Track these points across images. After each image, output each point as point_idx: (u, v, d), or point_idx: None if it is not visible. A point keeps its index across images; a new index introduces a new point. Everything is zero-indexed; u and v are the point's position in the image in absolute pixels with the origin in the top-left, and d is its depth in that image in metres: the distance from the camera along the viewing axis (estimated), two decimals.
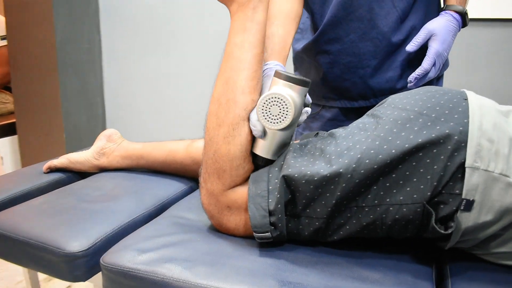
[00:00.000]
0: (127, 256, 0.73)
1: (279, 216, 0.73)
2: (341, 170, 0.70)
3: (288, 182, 0.73)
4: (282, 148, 0.79)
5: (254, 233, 0.75)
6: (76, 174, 1.19)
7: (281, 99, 0.73)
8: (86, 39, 2.11)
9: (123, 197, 0.99)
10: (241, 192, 0.80)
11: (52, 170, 1.17)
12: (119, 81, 2.24)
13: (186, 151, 1.10)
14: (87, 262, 0.79)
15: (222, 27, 2.00)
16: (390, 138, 0.70)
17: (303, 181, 0.71)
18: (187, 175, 1.14)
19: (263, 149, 0.79)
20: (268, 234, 0.74)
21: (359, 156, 0.70)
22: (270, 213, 0.74)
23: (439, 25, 0.95)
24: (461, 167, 0.66)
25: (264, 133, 0.77)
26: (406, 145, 0.68)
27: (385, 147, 0.69)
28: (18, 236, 0.82)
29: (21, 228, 0.84)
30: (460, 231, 0.68)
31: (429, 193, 0.67)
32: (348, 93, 1.08)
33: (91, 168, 1.18)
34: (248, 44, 0.80)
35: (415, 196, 0.68)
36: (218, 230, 0.83)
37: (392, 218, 0.70)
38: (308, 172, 0.72)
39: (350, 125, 0.80)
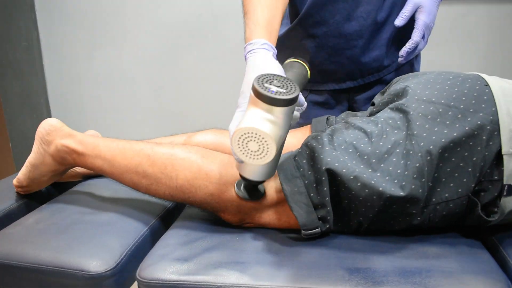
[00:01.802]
0: (169, 268, 0.65)
1: (328, 209, 0.70)
2: (387, 178, 0.67)
3: (332, 176, 0.69)
4: (274, 167, 0.70)
5: (302, 231, 0.70)
6: (57, 186, 1.05)
7: (258, 134, 0.59)
8: (23, 36, 1.89)
9: (128, 204, 0.89)
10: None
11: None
12: (64, 81, 2.03)
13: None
14: (117, 282, 0.69)
15: (177, 14, 1.91)
16: (424, 135, 0.68)
17: (351, 177, 0.68)
18: None
19: (251, 174, 0.69)
20: (317, 230, 0.70)
21: (402, 162, 0.67)
22: (316, 207, 0.70)
23: None
24: (498, 155, 0.66)
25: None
26: (443, 140, 0.66)
27: (422, 144, 0.67)
28: (25, 263, 0.70)
29: (25, 253, 0.72)
30: (503, 215, 0.69)
31: (473, 185, 0.67)
32: (335, 75, 1.05)
33: (74, 177, 1.06)
34: (113, 151, 0.84)
35: (460, 190, 0.67)
36: (248, 228, 0.78)
37: (440, 216, 0.69)
38: (356, 170, 0.68)
39: (375, 119, 0.75)
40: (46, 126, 0.90)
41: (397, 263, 0.65)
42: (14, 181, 0.94)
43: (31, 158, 0.91)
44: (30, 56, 1.94)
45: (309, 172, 0.71)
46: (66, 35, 1.97)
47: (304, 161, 0.72)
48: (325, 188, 0.69)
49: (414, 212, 0.68)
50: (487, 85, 0.71)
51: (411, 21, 0.94)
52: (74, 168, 1.03)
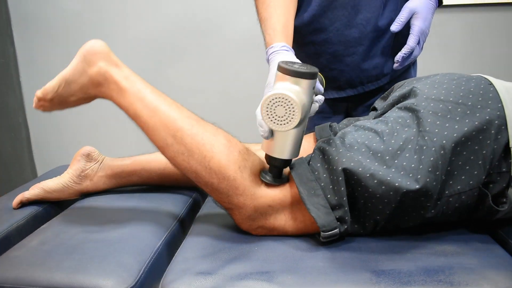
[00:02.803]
0: (194, 282, 0.64)
1: (345, 209, 0.71)
2: (402, 173, 0.69)
3: (349, 176, 0.70)
4: (292, 147, 0.73)
5: (321, 233, 0.71)
6: (53, 205, 1.02)
7: (286, 99, 0.66)
8: None
9: (137, 220, 0.86)
10: (277, 189, 0.76)
11: (24, 204, 0.98)
12: None
13: None
14: None
15: (159, 27, 1.89)
16: (436, 130, 0.70)
17: (368, 175, 0.69)
18: (189, 184, 1.04)
19: (277, 150, 0.73)
20: (336, 231, 0.70)
21: (415, 156, 0.69)
22: (333, 208, 0.71)
23: (420, 4, 0.98)
24: (506, 147, 0.70)
25: (271, 133, 0.72)
26: (455, 135, 0.69)
27: (435, 139, 0.70)
28: (37, 287, 0.67)
29: (37, 276, 0.68)
30: (511, 206, 0.72)
31: (483, 177, 0.70)
32: (335, 82, 1.07)
33: (71, 195, 1.02)
34: (144, 91, 0.82)
35: (471, 182, 0.70)
36: (263, 237, 0.77)
37: (453, 208, 0.72)
38: (372, 168, 0.69)
39: (383, 119, 0.78)
40: (95, 45, 0.84)
41: (419, 263, 0.66)
42: (39, 92, 0.87)
43: (66, 73, 0.85)
44: (6, 73, 1.87)
45: (324, 175, 0.72)
46: (43, 50, 1.92)
47: (318, 164, 0.74)
48: (342, 188, 0.70)
49: (428, 205, 0.70)
50: (490, 84, 0.75)
51: (408, 28, 0.97)
52: (72, 186, 1.00)
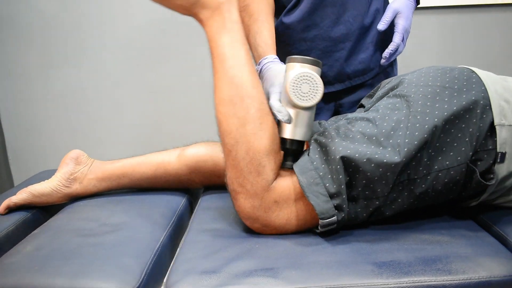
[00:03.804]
0: (199, 281, 0.64)
1: (343, 197, 0.73)
2: (398, 149, 0.72)
3: (346, 163, 0.73)
4: (308, 128, 0.79)
5: (320, 221, 0.73)
6: (41, 210, 0.99)
7: (311, 77, 0.76)
8: None
9: (132, 223, 0.86)
10: (285, 183, 0.77)
11: (11, 209, 0.95)
12: (19, 102, 1.91)
13: (179, 160, 1.01)
14: None
15: (139, 30, 1.87)
16: (428, 111, 0.74)
17: (364, 160, 0.72)
18: (180, 186, 1.05)
19: (293, 132, 0.79)
20: (334, 218, 0.73)
21: (408, 132, 0.73)
22: (332, 196, 0.73)
23: (402, 4, 1.04)
24: (491, 126, 0.75)
25: (289, 117, 0.77)
26: (445, 113, 0.74)
27: (427, 118, 0.74)
28: None
29: (36, 282, 0.67)
30: (497, 181, 0.76)
31: (470, 153, 0.74)
32: (325, 77, 1.11)
33: (60, 199, 1.00)
34: (237, 42, 0.79)
35: (459, 158, 0.74)
36: (262, 233, 0.78)
37: (442, 183, 0.75)
38: (368, 152, 0.72)
39: (373, 108, 0.82)
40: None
41: (417, 253, 0.69)
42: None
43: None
44: None
45: (323, 165, 0.75)
46: (18, 52, 1.86)
47: (317, 156, 0.76)
48: (340, 176, 0.73)
49: (417, 178, 0.74)
50: (473, 71, 0.80)
51: (391, 26, 1.02)
52: (61, 189, 0.98)
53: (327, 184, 0.73)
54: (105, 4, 1.82)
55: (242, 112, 0.76)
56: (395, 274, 0.63)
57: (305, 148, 0.82)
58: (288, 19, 1.04)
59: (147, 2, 1.80)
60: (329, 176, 0.74)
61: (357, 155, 0.72)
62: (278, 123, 0.80)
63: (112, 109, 1.91)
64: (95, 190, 1.01)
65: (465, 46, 1.87)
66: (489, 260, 0.66)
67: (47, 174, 1.17)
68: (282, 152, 0.80)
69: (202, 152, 1.01)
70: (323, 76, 1.09)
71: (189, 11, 0.79)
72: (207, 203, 0.96)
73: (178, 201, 0.99)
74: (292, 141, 0.79)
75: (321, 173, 0.74)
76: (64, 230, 0.84)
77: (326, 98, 1.14)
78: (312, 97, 0.76)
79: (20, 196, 0.96)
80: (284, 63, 0.83)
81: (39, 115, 1.92)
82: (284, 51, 1.06)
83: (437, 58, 1.88)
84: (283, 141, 0.79)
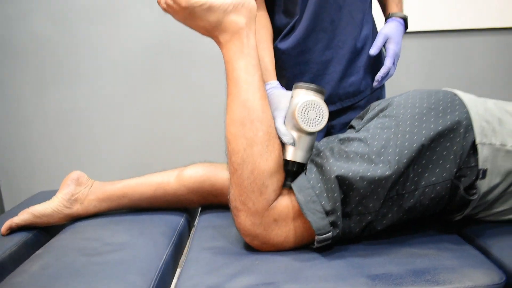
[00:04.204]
0: None
1: (338, 214, 0.78)
2: (388, 165, 0.78)
3: (341, 182, 0.78)
4: (309, 152, 0.85)
5: (316, 237, 0.77)
6: (42, 230, 1.02)
7: (318, 105, 0.82)
8: None
9: (134, 242, 0.89)
10: (284, 203, 0.82)
11: (13, 229, 0.97)
12: (9, 123, 1.93)
13: (178, 181, 1.05)
14: None
15: (134, 51, 1.91)
16: (415, 130, 0.81)
17: (358, 178, 0.77)
18: (178, 206, 1.08)
19: (295, 155, 0.84)
20: (329, 234, 0.77)
21: (398, 150, 0.79)
22: (327, 213, 0.78)
23: (392, 30, 1.11)
24: (473, 145, 0.81)
25: (294, 140, 0.83)
26: (431, 133, 0.80)
27: (415, 137, 0.80)
28: None
29: None
30: (480, 196, 0.82)
31: (454, 170, 0.80)
32: None
33: (61, 220, 1.02)
34: (252, 67, 0.84)
35: (444, 174, 0.80)
36: (261, 250, 0.82)
37: (429, 198, 0.81)
38: (360, 171, 0.78)
39: (364, 128, 0.87)
40: (252, 3, 0.86)
41: (407, 266, 0.73)
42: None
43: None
44: None
45: (319, 184, 0.79)
46: (13, 74, 1.89)
47: (313, 175, 0.81)
48: (335, 194, 0.77)
49: (405, 193, 0.79)
50: (455, 94, 0.87)
51: (381, 51, 1.09)
52: (62, 210, 1.01)
53: (323, 202, 0.78)
54: (100, 27, 1.87)
55: (251, 134, 0.81)
56: (388, 285, 0.68)
57: None
58: (283, 45, 1.10)
59: (141, 25, 1.87)
60: (325, 194, 0.78)
61: (350, 173, 0.78)
62: (282, 145, 0.85)
63: (106, 131, 1.94)
64: (96, 210, 1.04)
65: (446, 68, 1.97)
66: (473, 271, 0.71)
67: (45, 195, 1.20)
68: (284, 174, 0.85)
69: (200, 173, 1.05)
70: None
71: (210, 33, 0.85)
72: (205, 222, 1.00)
73: (177, 220, 1.03)
74: (294, 163, 0.84)
75: (317, 192, 0.79)
76: (69, 249, 0.87)
77: None
78: (318, 123, 0.82)
79: (22, 217, 0.98)
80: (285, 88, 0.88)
81: (33, 136, 1.94)
82: (279, 75, 1.12)
83: (420, 80, 1.97)
84: (285, 162, 0.84)
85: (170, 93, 1.93)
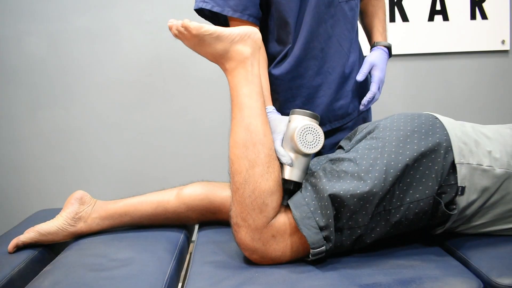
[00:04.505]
0: None
1: (331, 229, 0.85)
2: (376, 182, 0.85)
3: (333, 199, 0.85)
4: (305, 172, 0.93)
5: (311, 250, 0.84)
6: (46, 248, 1.06)
7: (314, 128, 0.90)
8: None
9: (139, 258, 0.94)
10: (282, 220, 0.89)
11: (19, 247, 1.01)
12: (5, 143, 1.95)
13: (178, 199, 1.10)
14: None
15: (127, 72, 1.97)
16: (400, 151, 0.89)
17: (348, 196, 0.84)
18: (177, 223, 1.13)
19: (292, 174, 0.91)
20: (323, 248, 0.84)
21: (384, 168, 0.86)
22: (321, 229, 0.85)
23: (377, 58, 1.21)
24: (452, 164, 0.89)
25: (292, 161, 0.91)
26: (415, 154, 0.88)
27: (400, 158, 0.88)
28: None
29: None
30: (459, 211, 0.90)
31: (436, 187, 0.88)
32: None
33: (66, 237, 1.06)
34: (255, 94, 0.92)
35: (427, 191, 0.88)
36: (259, 264, 0.88)
37: (413, 213, 0.88)
38: (351, 189, 0.85)
39: (353, 149, 0.95)
40: (258, 35, 0.94)
41: (394, 276, 0.80)
42: (189, 22, 0.89)
43: (222, 31, 0.90)
44: None
45: (313, 202, 0.87)
46: (7, 96, 1.93)
47: (308, 193, 0.88)
48: (328, 211, 0.84)
49: (391, 209, 0.87)
50: (436, 118, 0.95)
51: (367, 77, 1.18)
52: (67, 228, 1.05)
53: (317, 218, 0.85)
54: (93, 48, 1.93)
55: (253, 156, 0.88)
56: None
57: None
58: (277, 71, 1.18)
59: (134, 46, 1.94)
60: (319, 211, 0.85)
61: (342, 192, 0.85)
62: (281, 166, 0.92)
63: (100, 150, 1.98)
64: (99, 228, 1.08)
65: (427, 89, 2.09)
66: (454, 279, 0.78)
67: (46, 213, 1.25)
68: (282, 193, 0.91)
69: (199, 191, 1.11)
70: None
71: (217, 60, 0.92)
72: (205, 238, 1.05)
73: (177, 237, 1.08)
74: (291, 182, 0.91)
75: (312, 208, 0.86)
76: (77, 266, 0.91)
77: None
78: (315, 146, 0.90)
79: (28, 235, 1.02)
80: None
81: (27, 155, 1.97)
82: (273, 98, 1.20)
83: (403, 99, 2.08)
84: (283, 181, 0.91)
85: (163, 113, 1.98)
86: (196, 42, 0.91)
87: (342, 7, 1.16)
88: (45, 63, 1.92)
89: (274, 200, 0.88)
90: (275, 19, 1.15)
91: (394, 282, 0.78)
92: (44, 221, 1.07)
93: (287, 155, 0.91)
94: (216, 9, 1.10)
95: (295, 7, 1.12)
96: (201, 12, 1.15)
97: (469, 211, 0.92)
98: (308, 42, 1.15)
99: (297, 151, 0.90)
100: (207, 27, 0.90)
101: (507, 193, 0.91)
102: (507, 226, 0.94)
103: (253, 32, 0.93)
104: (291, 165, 0.91)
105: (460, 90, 2.10)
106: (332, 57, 1.19)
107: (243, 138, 0.89)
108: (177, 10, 1.93)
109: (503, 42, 2.03)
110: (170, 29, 0.91)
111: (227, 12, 1.10)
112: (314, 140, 0.90)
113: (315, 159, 1.13)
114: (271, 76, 1.20)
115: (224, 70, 0.93)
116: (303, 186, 0.90)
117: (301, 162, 0.91)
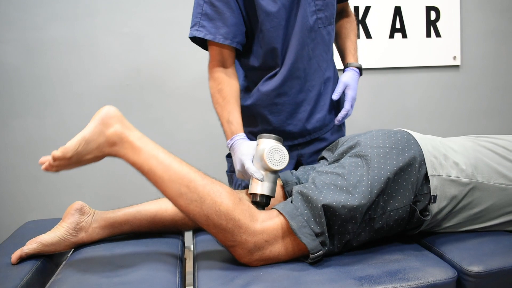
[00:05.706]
0: None
1: (325, 235, 0.95)
2: (363, 195, 0.96)
3: (326, 209, 0.95)
4: (274, 186, 1.09)
5: (310, 255, 0.94)
6: (48, 258, 1.08)
7: (280, 149, 1.08)
8: None
9: (145, 263, 0.99)
10: (271, 226, 0.97)
11: (22, 259, 1.03)
12: None
13: (175, 208, 1.15)
14: None
15: (104, 83, 1.99)
16: (382, 166, 1.00)
17: (340, 207, 0.95)
18: (174, 229, 1.19)
19: (264, 188, 1.07)
20: (321, 252, 0.94)
21: (369, 182, 0.98)
22: (317, 235, 0.95)
23: (350, 78, 1.34)
24: (425, 176, 1.02)
25: (263, 177, 1.07)
26: (394, 168, 1.00)
27: (382, 172, 0.99)
28: None
29: None
30: (431, 216, 1.03)
31: (412, 197, 1.01)
32: (290, 134, 1.36)
33: (67, 247, 1.09)
34: (154, 150, 0.97)
35: (404, 201, 1.00)
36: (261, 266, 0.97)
37: (393, 219, 1.01)
38: (341, 200, 0.95)
39: (339, 165, 1.05)
40: (110, 110, 0.99)
41: (383, 268, 0.92)
42: (58, 152, 0.92)
43: (85, 133, 0.94)
44: None
45: (306, 211, 0.96)
46: None
47: (299, 203, 0.98)
48: (322, 220, 0.94)
49: (375, 217, 0.98)
50: (410, 134, 1.08)
51: (341, 94, 1.31)
52: (69, 238, 1.08)
53: (312, 226, 0.95)
54: (69, 58, 1.93)
55: (195, 195, 0.93)
56: (371, 284, 0.86)
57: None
58: (264, 87, 1.28)
59: (111, 57, 1.97)
60: (313, 219, 0.95)
61: (334, 203, 0.95)
62: (250, 182, 1.07)
63: None
64: (99, 237, 1.12)
65: (386, 99, 2.27)
66: (433, 269, 0.91)
67: (34, 224, 1.26)
68: (247, 201, 1.00)
69: None
70: (290, 133, 1.34)
71: (104, 153, 0.97)
72: (203, 242, 1.12)
73: (176, 242, 1.14)
74: (262, 195, 1.07)
75: (305, 218, 0.96)
76: (85, 274, 0.95)
77: (291, 149, 1.38)
78: (281, 163, 1.07)
79: (31, 246, 1.04)
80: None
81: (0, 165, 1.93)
82: (259, 112, 1.29)
83: (365, 109, 2.25)
84: (254, 196, 1.06)
85: (140, 123, 2.00)
86: (76, 159, 0.95)
87: (321, 32, 1.29)
88: (20, 72, 1.91)
89: (241, 212, 0.95)
90: (263, 45, 1.24)
91: (383, 273, 0.90)
92: (35, 232, 1.10)
93: (259, 172, 1.07)
94: (208, 37, 1.20)
95: (282, 34, 1.23)
96: (193, 39, 1.25)
97: (440, 216, 1.05)
98: (293, 64, 1.26)
99: (267, 169, 1.06)
100: (73, 142, 0.94)
101: (472, 200, 1.05)
102: (472, 227, 1.08)
103: (106, 111, 0.98)
104: (262, 180, 1.05)
105: (415, 101, 2.30)
106: (312, 76, 1.31)
107: (174, 189, 0.94)
108: (155, 21, 1.98)
109: (454, 58, 2.26)
110: (45, 168, 0.95)
111: (219, 39, 1.20)
112: (281, 159, 1.06)
113: (301, 168, 1.24)
114: (258, 92, 1.30)
115: (116, 155, 0.97)
116: (293, 196, 1.00)
117: (270, 177, 1.08)
